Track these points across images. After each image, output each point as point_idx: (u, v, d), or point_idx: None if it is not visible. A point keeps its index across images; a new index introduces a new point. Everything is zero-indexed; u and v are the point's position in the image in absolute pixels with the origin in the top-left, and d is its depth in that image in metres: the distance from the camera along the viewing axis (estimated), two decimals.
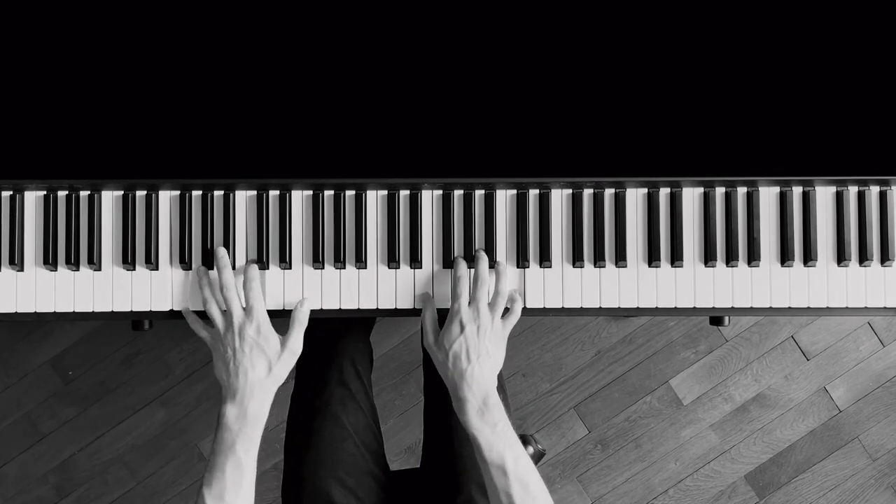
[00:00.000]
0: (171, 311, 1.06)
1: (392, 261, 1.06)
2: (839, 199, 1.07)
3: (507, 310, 1.05)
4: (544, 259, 1.06)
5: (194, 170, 1.02)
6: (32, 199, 1.06)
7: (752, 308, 1.07)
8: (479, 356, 1.00)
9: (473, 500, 1.12)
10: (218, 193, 1.06)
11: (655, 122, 1.02)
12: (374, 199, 1.07)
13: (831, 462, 1.88)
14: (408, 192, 1.06)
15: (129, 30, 1.01)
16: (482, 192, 1.07)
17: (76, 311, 1.06)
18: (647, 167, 1.03)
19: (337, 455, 1.15)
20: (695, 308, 1.07)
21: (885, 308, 1.07)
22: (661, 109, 1.02)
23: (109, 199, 1.06)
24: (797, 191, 1.07)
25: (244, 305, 1.02)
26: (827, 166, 1.02)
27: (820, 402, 1.88)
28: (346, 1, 1.02)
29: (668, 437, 1.88)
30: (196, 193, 1.06)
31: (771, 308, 1.07)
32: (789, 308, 1.07)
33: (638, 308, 1.07)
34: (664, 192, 1.07)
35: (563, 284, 1.07)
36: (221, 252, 1.04)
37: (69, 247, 1.05)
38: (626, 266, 1.07)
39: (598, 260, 1.06)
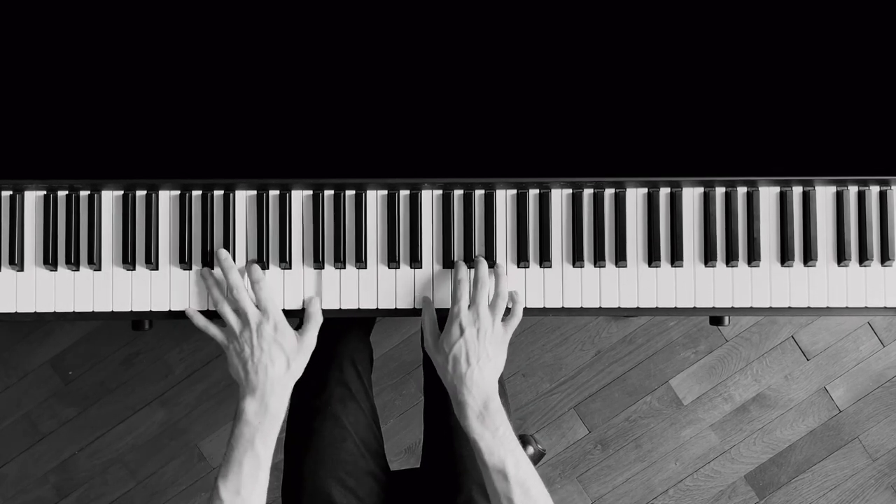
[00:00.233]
0: (171, 311, 1.06)
1: (392, 261, 1.06)
2: (839, 199, 1.07)
3: (508, 312, 1.05)
4: (544, 259, 1.06)
5: (194, 170, 1.02)
6: (32, 199, 1.06)
7: (752, 308, 1.07)
8: (480, 359, 1.00)
9: (473, 500, 1.12)
10: (218, 193, 1.06)
11: (655, 121, 1.02)
12: (374, 199, 1.07)
13: (831, 462, 1.88)
14: (408, 191, 1.06)
15: (130, 30, 1.02)
16: (482, 191, 1.07)
17: (76, 311, 1.06)
18: (647, 167, 1.02)
19: (337, 455, 1.15)
20: (695, 308, 1.07)
21: (885, 308, 1.07)
22: (661, 109, 1.02)
23: (109, 199, 1.06)
24: (797, 191, 1.07)
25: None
26: (827, 166, 1.02)
27: (820, 402, 1.88)
28: (347, 1, 1.02)
29: (668, 437, 1.88)
30: (196, 193, 1.06)
31: (771, 308, 1.07)
32: (789, 308, 1.07)
33: (638, 308, 1.07)
34: (664, 192, 1.07)
35: (563, 284, 1.07)
36: (224, 254, 1.04)
37: (69, 247, 1.05)
38: (626, 266, 1.07)
39: (598, 260, 1.06)
